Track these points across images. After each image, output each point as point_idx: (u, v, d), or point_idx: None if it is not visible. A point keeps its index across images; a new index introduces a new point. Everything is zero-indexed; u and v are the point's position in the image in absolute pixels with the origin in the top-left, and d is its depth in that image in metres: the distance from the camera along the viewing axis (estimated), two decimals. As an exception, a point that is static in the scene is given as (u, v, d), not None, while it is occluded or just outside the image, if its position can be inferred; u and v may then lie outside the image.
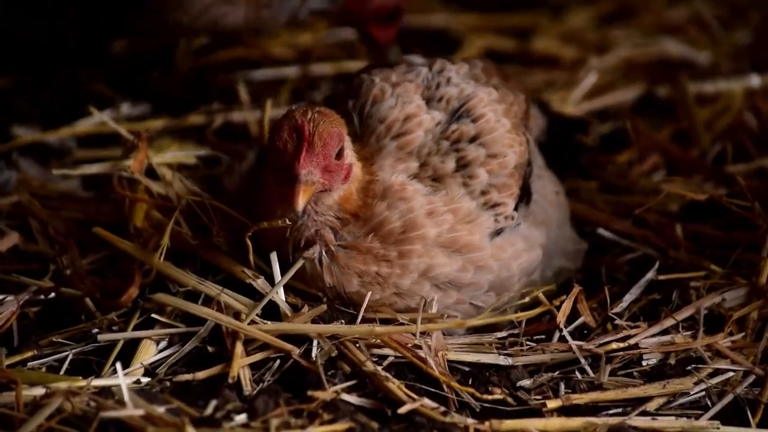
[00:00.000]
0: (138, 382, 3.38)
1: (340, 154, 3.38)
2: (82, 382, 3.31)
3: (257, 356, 3.41)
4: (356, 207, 3.47)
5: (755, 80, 4.92)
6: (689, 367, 3.51)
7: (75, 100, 4.56)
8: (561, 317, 3.57)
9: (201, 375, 3.38)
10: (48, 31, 4.25)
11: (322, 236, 3.45)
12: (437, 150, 3.55)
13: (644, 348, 3.53)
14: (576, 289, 3.63)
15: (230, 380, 3.35)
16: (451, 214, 3.50)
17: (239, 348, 3.39)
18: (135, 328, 3.52)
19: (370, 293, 3.46)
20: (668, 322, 3.60)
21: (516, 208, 3.58)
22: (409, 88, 3.64)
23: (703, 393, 3.46)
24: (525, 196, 3.64)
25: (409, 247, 3.46)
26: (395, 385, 3.33)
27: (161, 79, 4.84)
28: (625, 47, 5.24)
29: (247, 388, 3.35)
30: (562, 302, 3.60)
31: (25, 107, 4.57)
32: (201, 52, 5.03)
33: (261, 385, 3.37)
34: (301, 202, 3.31)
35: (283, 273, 3.47)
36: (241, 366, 3.38)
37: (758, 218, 3.86)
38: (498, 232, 3.55)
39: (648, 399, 3.42)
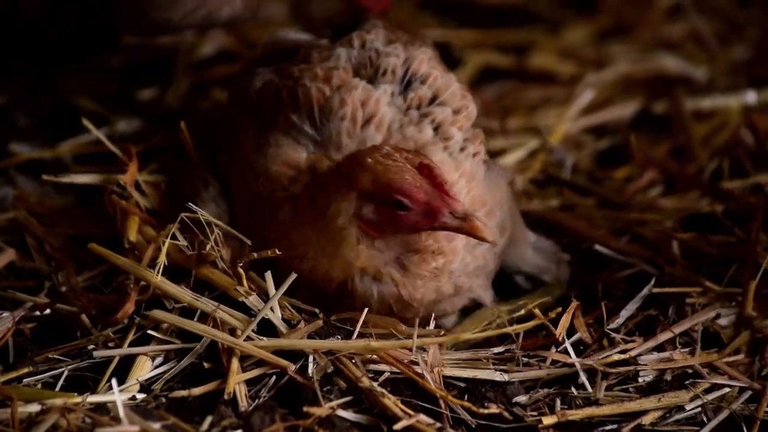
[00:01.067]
0: (134, 398, 3.37)
1: None
2: (78, 399, 3.31)
3: (253, 372, 3.40)
4: None
5: (752, 96, 4.94)
6: (686, 382, 3.51)
7: (71, 115, 4.57)
8: (560, 331, 3.55)
9: (197, 391, 3.37)
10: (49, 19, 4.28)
11: (391, 258, 3.44)
12: (409, 120, 3.52)
13: (643, 364, 3.53)
14: (574, 303, 3.63)
15: (226, 396, 3.34)
16: (463, 179, 3.52)
17: (235, 364, 3.39)
18: (131, 345, 3.51)
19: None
20: (664, 337, 3.59)
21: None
22: (342, 76, 3.57)
23: (699, 409, 3.46)
24: None
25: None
26: (391, 401, 3.33)
27: (159, 94, 4.85)
28: (623, 63, 5.25)
29: (243, 404, 3.34)
30: (558, 315, 3.59)
31: (22, 124, 4.58)
32: (200, 66, 5.05)
33: (257, 401, 3.36)
34: (489, 231, 3.32)
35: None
36: (236, 382, 3.37)
37: (751, 235, 3.85)
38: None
39: (643, 413, 3.42)
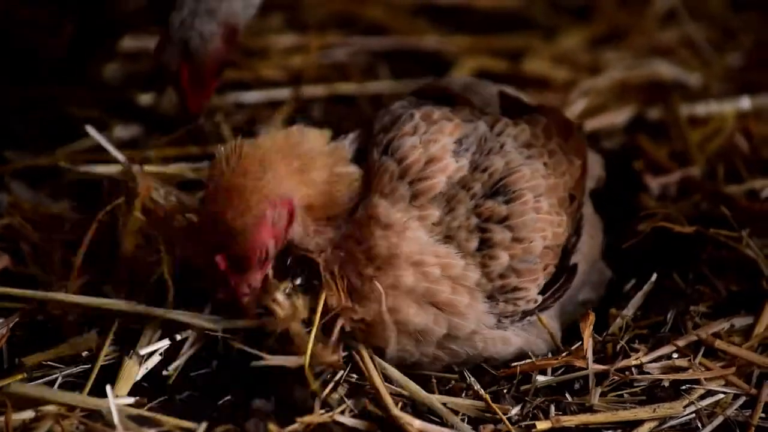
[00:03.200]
0: (130, 404, 3.37)
1: (269, 251, 3.29)
2: (74, 400, 3.31)
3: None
4: (336, 205, 3.40)
5: (746, 102, 4.94)
6: (682, 388, 3.51)
7: (68, 123, 4.57)
8: (586, 346, 3.53)
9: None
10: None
11: (321, 246, 3.39)
12: (466, 225, 3.41)
13: (648, 372, 3.53)
14: (591, 317, 3.59)
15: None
16: (439, 269, 3.40)
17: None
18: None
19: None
20: (668, 349, 3.60)
21: (545, 292, 3.51)
22: (445, 128, 3.50)
23: (694, 415, 3.46)
24: (563, 274, 3.56)
25: (383, 274, 3.38)
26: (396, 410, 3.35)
27: (155, 100, 4.85)
28: (617, 69, 5.25)
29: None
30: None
31: (18, 131, 4.58)
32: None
33: (252, 405, 3.36)
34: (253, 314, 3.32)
35: None
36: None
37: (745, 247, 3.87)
38: (513, 317, 3.49)
39: (639, 423, 3.42)
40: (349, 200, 3.42)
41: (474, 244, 3.42)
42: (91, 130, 4.05)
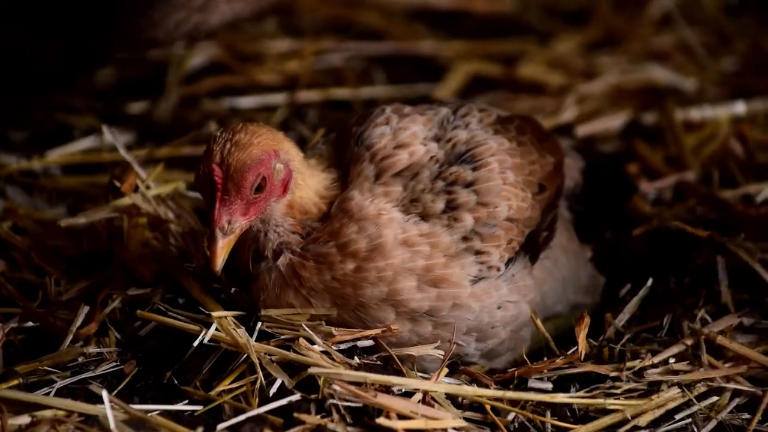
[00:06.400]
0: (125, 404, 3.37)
1: (263, 184, 3.34)
2: (70, 405, 3.31)
3: (242, 381, 3.40)
4: (313, 213, 3.47)
5: (741, 107, 4.95)
6: (679, 390, 3.52)
7: (61, 127, 4.57)
8: (581, 348, 3.54)
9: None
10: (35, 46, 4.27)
11: (288, 244, 3.44)
12: (431, 188, 3.49)
13: (645, 376, 3.53)
14: (586, 319, 3.61)
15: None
16: (429, 246, 3.45)
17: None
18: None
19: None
20: (665, 352, 3.60)
21: (509, 262, 3.52)
22: (416, 119, 3.61)
23: (690, 420, 3.46)
24: (528, 253, 3.58)
25: (372, 264, 3.42)
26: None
27: (149, 107, 4.85)
28: (612, 74, 5.26)
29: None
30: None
31: (11, 135, 4.58)
32: (190, 78, 5.05)
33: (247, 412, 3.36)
34: (219, 262, 3.32)
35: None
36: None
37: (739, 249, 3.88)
38: (479, 279, 3.50)
39: (635, 425, 3.43)
40: (326, 206, 3.50)
41: (440, 205, 3.48)
42: (106, 130, 4.03)
